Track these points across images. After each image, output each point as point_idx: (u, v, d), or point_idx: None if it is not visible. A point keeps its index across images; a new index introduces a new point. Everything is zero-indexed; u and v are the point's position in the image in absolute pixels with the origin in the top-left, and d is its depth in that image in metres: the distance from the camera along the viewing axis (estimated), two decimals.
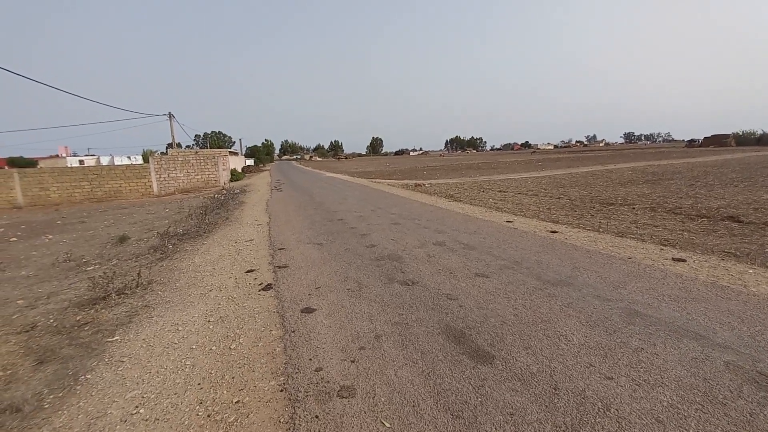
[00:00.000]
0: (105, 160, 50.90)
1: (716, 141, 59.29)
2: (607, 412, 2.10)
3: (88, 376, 2.80)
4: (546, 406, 2.18)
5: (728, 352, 2.62)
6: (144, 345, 3.24)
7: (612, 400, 2.19)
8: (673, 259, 4.77)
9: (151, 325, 3.62)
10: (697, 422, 1.99)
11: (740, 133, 58.68)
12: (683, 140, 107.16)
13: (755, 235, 5.73)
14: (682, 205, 8.52)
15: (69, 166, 31.17)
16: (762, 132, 56.02)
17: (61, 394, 2.60)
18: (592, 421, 2.05)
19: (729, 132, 61.03)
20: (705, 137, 65.09)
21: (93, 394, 2.58)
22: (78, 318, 3.85)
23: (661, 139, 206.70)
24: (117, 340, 3.36)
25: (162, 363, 2.93)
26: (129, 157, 52.17)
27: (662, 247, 5.35)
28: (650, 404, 2.14)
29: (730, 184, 11.95)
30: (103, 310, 4.02)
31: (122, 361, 2.99)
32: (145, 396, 2.53)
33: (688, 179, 13.91)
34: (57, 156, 53.14)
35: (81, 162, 47.09)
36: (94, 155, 57.39)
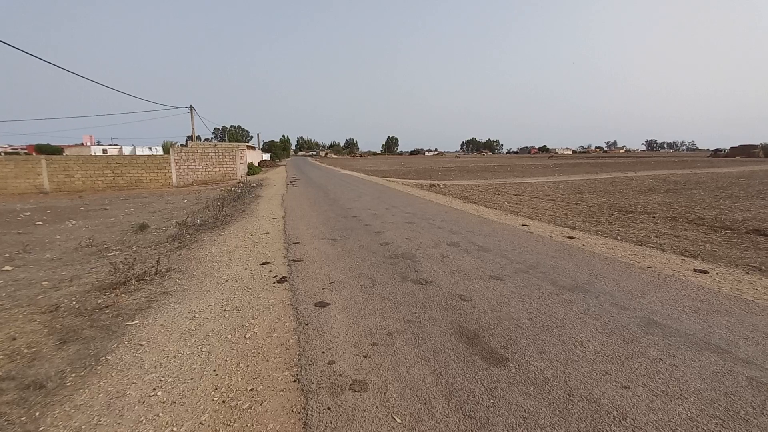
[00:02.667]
0: (127, 150, 52.19)
1: (744, 151, 57.35)
2: (623, 421, 2.06)
3: (109, 357, 2.89)
4: (560, 412, 2.15)
5: (752, 367, 2.54)
6: (162, 330, 3.32)
7: (628, 409, 2.15)
8: (694, 270, 4.64)
9: (169, 311, 3.71)
10: None
11: None
12: (708, 149, 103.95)
13: None
14: (704, 216, 8.28)
15: (93, 154, 32.07)
16: None
17: (82, 373, 2.68)
18: (607, 429, 2.01)
19: (758, 142, 58.92)
20: (732, 147, 63.04)
21: (113, 374, 2.66)
22: (99, 301, 3.97)
23: (684, 147, 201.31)
24: (136, 324, 3.45)
25: (179, 348, 3.00)
26: (150, 148, 53.35)
27: (683, 258, 5.21)
28: (668, 416, 2.10)
29: (756, 196, 11.55)
30: (123, 295, 4.13)
31: (141, 345, 3.07)
32: (162, 379, 2.59)
33: (712, 189, 13.50)
34: (82, 144, 54.77)
35: (104, 151, 48.39)
36: (116, 145, 58.92)
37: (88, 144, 55.43)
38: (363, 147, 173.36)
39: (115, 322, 3.49)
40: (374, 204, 10.95)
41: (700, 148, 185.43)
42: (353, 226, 7.71)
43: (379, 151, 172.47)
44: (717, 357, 2.67)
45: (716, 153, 68.88)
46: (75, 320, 3.53)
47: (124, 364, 2.80)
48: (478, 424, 2.08)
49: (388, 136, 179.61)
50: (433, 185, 17.06)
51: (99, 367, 2.75)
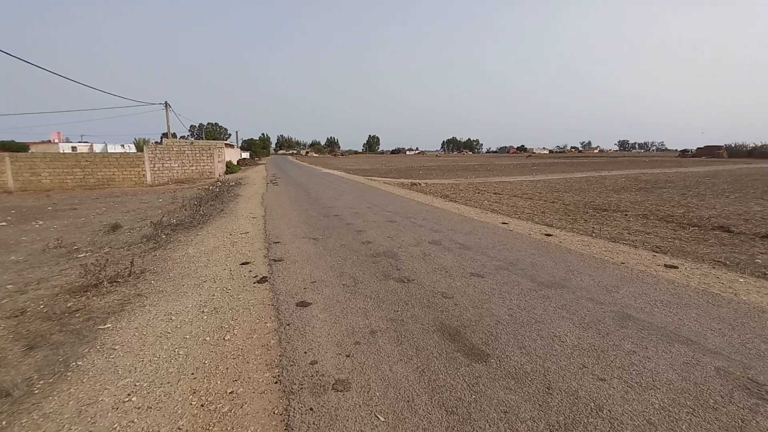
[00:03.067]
0: (98, 148, 50.25)
1: (709, 152, 60.01)
2: (600, 413, 2.12)
3: (79, 363, 2.76)
4: (539, 405, 2.19)
5: (719, 358, 2.66)
6: (136, 333, 3.21)
7: (604, 400, 2.22)
8: (665, 265, 4.83)
9: (143, 314, 3.59)
10: (689, 425, 2.02)
11: (732, 145, 59.41)
12: (676, 150, 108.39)
13: (745, 246, 5.82)
14: (674, 214, 8.63)
15: (61, 152, 30.73)
16: (753, 145, 56.73)
17: (51, 380, 2.56)
18: (585, 420, 2.07)
19: (722, 144, 61.78)
20: (698, 148, 65.88)
21: (84, 380, 2.55)
22: (69, 305, 3.80)
23: (654, 148, 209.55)
24: (109, 327, 3.32)
25: (155, 352, 2.91)
26: (122, 146, 51.57)
27: (654, 254, 5.41)
28: (642, 406, 2.17)
29: (721, 194, 12.12)
30: (94, 298, 3.96)
31: (114, 349, 2.96)
32: (137, 384, 2.50)
33: (681, 188, 14.08)
34: (49, 142, 52.32)
35: (74, 148, 46.38)
36: (87, 142, 56.58)
37: (56, 141, 52.96)
38: (344, 146, 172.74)
39: (86, 326, 3.35)
40: (356, 203, 10.91)
41: (669, 148, 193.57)
42: (335, 224, 7.66)
43: (361, 150, 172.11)
44: (687, 348, 2.79)
45: (684, 153, 71.78)
46: (43, 325, 3.37)
47: (96, 369, 2.69)
48: (461, 419, 2.10)
49: (369, 135, 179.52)
50: (415, 184, 17.14)
51: (69, 374, 2.64)
